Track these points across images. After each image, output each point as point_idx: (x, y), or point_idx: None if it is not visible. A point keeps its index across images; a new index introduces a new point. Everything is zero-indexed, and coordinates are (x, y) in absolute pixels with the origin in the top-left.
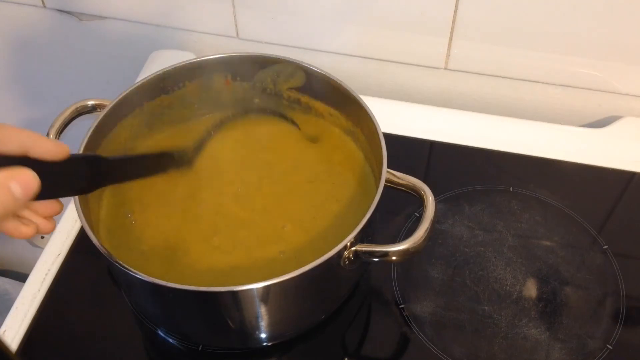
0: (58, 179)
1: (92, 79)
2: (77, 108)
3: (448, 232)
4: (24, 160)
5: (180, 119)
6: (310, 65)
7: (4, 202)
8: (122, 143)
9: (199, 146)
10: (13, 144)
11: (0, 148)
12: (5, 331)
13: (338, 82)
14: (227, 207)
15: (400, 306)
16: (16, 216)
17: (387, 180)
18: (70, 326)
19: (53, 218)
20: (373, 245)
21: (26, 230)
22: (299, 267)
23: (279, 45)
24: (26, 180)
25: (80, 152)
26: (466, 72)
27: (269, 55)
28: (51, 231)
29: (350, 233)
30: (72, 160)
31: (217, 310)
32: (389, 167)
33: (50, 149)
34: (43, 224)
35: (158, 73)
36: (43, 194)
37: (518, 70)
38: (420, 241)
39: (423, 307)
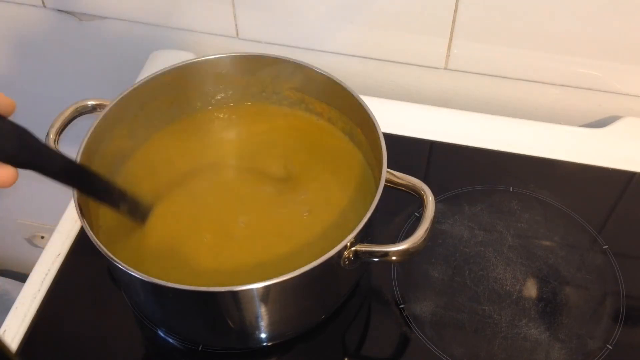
0: None
1: (92, 79)
2: (77, 108)
3: (448, 232)
4: None
5: (180, 119)
6: (310, 65)
7: None
8: (122, 143)
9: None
10: None
11: None
12: (5, 331)
13: (338, 82)
14: (227, 207)
15: (400, 306)
16: None
17: (387, 180)
18: (70, 326)
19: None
20: (373, 245)
21: None
22: (298, 267)
23: (279, 45)
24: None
25: (81, 152)
26: (466, 72)
27: (269, 55)
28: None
29: (350, 233)
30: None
31: (217, 310)
32: (388, 167)
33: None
34: None
35: (158, 73)
36: None
37: (518, 70)
38: (420, 241)
39: (423, 307)
